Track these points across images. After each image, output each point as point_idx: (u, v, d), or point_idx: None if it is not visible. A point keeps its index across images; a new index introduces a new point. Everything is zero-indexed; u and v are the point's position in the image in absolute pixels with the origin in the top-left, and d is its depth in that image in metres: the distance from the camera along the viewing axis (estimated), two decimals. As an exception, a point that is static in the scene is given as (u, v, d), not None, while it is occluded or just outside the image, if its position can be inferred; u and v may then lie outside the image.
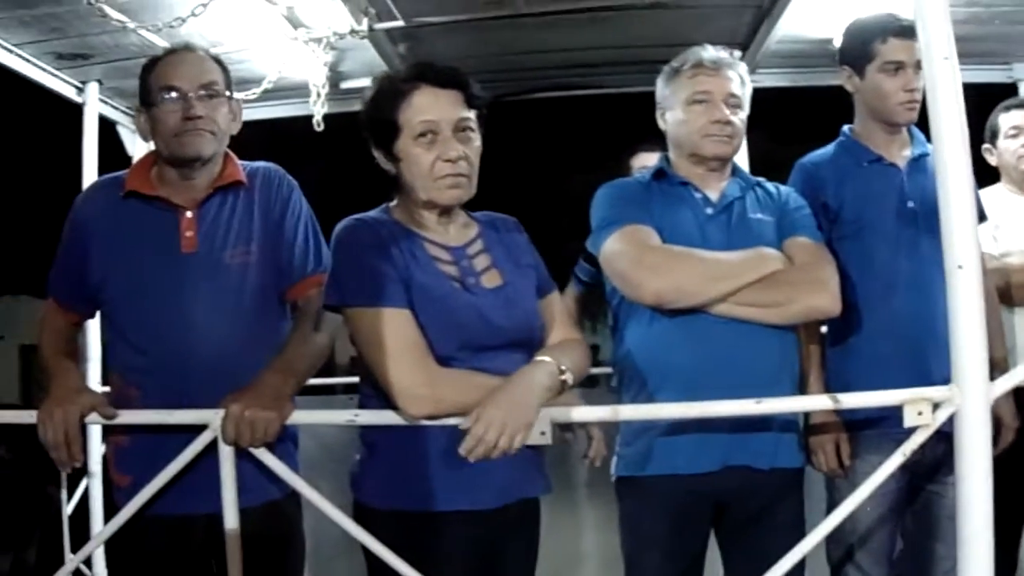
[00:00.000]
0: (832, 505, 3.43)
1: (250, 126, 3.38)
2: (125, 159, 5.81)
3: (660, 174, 3.43)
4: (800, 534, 3.03)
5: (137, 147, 5.88)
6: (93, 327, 5.03)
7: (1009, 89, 5.41)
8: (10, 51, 4.79)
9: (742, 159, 3.46)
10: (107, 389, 3.25)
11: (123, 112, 5.79)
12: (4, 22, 4.53)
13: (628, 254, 3.21)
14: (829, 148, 3.71)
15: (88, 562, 4.90)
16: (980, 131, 4.48)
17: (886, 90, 3.51)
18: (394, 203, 2.94)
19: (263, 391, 2.90)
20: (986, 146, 4.56)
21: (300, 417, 2.99)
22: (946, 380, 2.69)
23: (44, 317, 3.34)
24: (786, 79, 5.63)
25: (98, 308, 3.30)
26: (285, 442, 3.07)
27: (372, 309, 2.71)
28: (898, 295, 3.44)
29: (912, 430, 2.74)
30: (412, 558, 2.71)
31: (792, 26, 4.87)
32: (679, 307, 3.17)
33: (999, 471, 2.66)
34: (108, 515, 4.88)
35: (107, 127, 5.73)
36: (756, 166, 3.56)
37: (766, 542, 3.15)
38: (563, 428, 2.86)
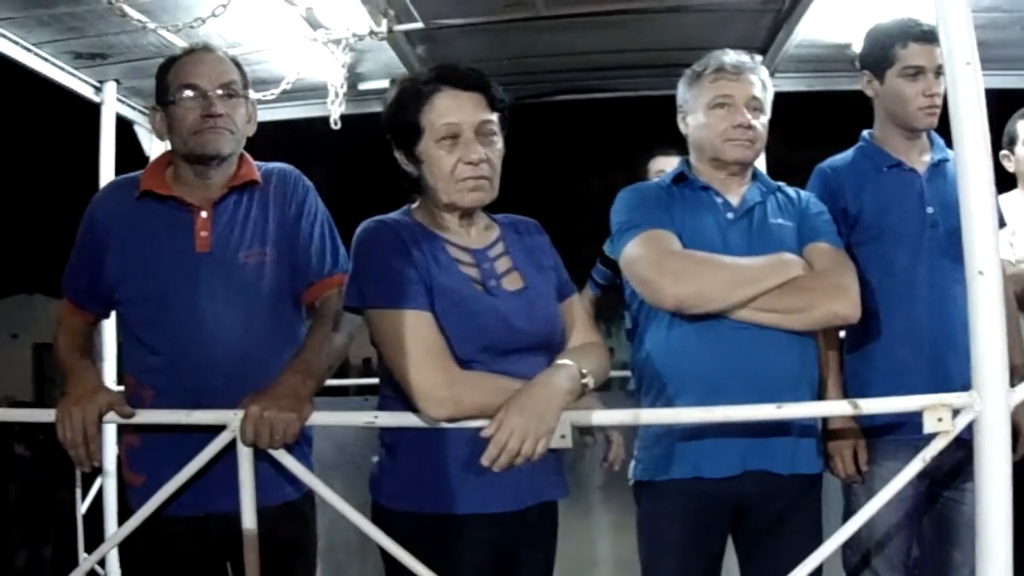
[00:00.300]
0: (849, 511, 3.44)
1: (268, 126, 3.38)
2: (142, 159, 5.81)
3: (681, 178, 3.42)
4: (818, 540, 3.02)
5: (154, 147, 5.89)
6: (108, 326, 5.04)
7: (1028, 95, 5.38)
8: (28, 50, 4.80)
9: (759, 163, 3.44)
10: (122, 389, 3.24)
11: (140, 112, 5.79)
12: (23, 21, 4.53)
13: (649, 259, 3.20)
14: (848, 153, 3.69)
15: (102, 561, 4.90)
16: (999, 137, 4.46)
17: (906, 95, 3.49)
18: (415, 205, 2.93)
19: (282, 392, 2.90)
20: (1004, 152, 4.54)
21: (319, 418, 2.99)
22: (965, 386, 2.69)
23: (60, 317, 3.35)
24: (803, 83, 5.62)
25: (113, 308, 3.30)
26: (300, 443, 3.06)
27: (393, 311, 2.70)
28: (917, 300, 3.43)
29: (931, 436, 2.73)
30: (431, 561, 2.70)
31: (811, 30, 4.86)
32: (699, 312, 3.16)
33: (1018, 478, 2.65)
34: (121, 514, 4.91)
35: (124, 127, 5.72)
36: (772, 170, 3.55)
37: (784, 547, 3.15)
38: (582, 432, 2.84)
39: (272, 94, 5.11)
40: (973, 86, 2.65)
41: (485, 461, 2.56)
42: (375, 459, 2.96)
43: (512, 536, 2.80)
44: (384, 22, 4.67)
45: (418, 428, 2.74)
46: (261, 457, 2.91)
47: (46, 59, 4.95)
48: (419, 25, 4.81)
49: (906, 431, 3.17)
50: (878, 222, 3.49)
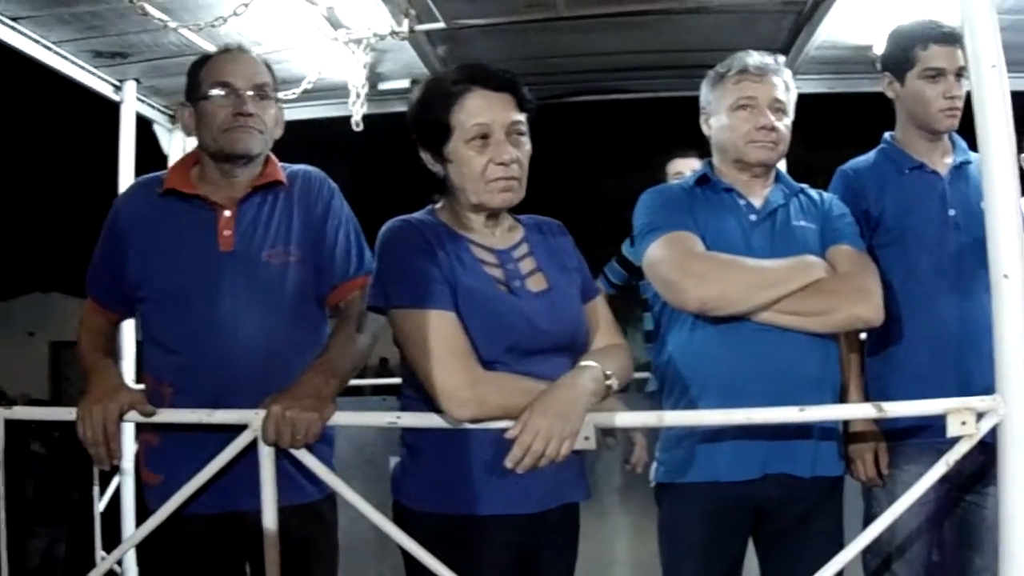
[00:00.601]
0: (869, 514, 3.44)
1: (287, 126, 3.39)
2: (161, 158, 5.83)
3: (704, 180, 3.42)
4: (838, 543, 3.03)
5: (172, 146, 5.91)
6: (127, 325, 5.04)
7: (1052, 98, 5.36)
8: (49, 48, 4.81)
9: (780, 165, 3.44)
10: (142, 387, 3.24)
11: (160, 111, 5.82)
12: (43, 20, 4.55)
13: (673, 260, 3.20)
14: (870, 155, 3.69)
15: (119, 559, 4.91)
16: (1022, 139, 4.44)
17: (926, 97, 3.48)
18: (439, 205, 2.93)
19: (304, 392, 2.90)
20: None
21: (341, 418, 2.97)
22: (987, 390, 2.69)
23: (83, 316, 3.36)
24: (824, 85, 5.61)
25: (136, 306, 3.30)
26: (321, 444, 3.05)
27: (418, 311, 2.70)
28: (939, 303, 3.42)
29: (954, 440, 2.72)
30: (452, 562, 2.70)
31: (832, 32, 4.86)
32: (722, 314, 3.16)
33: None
34: (140, 513, 4.91)
35: (143, 126, 5.73)
36: (792, 172, 3.55)
37: (805, 550, 3.15)
38: (605, 433, 2.84)
39: (293, 94, 5.11)
40: (999, 89, 2.64)
41: (509, 463, 2.55)
42: (396, 460, 2.96)
43: (534, 538, 2.80)
44: (405, 22, 4.67)
45: (441, 429, 2.74)
46: (282, 457, 2.91)
47: (66, 57, 4.97)
48: (440, 25, 4.81)
49: (928, 435, 3.17)
50: (900, 224, 3.49)
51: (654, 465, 3.36)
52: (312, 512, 3.18)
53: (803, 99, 3.50)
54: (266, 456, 2.89)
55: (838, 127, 12.36)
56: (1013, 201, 2.63)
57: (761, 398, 2.95)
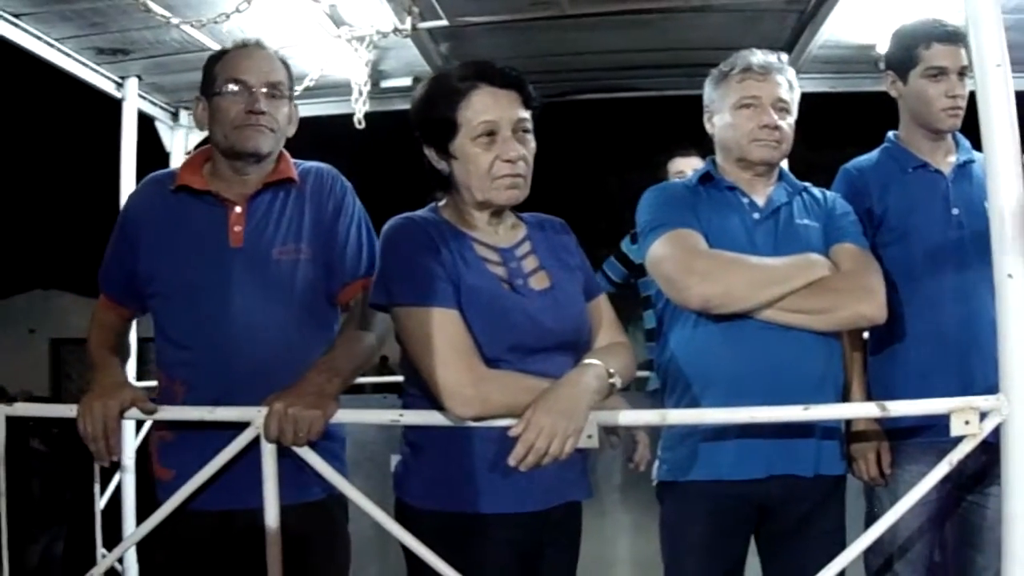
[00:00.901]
0: (871, 513, 3.43)
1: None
2: (162, 155, 5.84)
3: (707, 178, 3.42)
4: (840, 542, 3.03)
5: (174, 143, 5.91)
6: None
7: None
8: (51, 45, 4.81)
9: (782, 163, 3.44)
10: (146, 384, 3.24)
11: (162, 108, 5.82)
12: (45, 16, 4.55)
13: (676, 258, 3.20)
14: (874, 154, 3.69)
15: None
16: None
17: (929, 96, 3.48)
18: (442, 202, 2.93)
19: (306, 389, 2.89)
20: (1026, 154, 4.54)
21: (343, 416, 2.96)
22: (990, 389, 2.69)
23: (95, 311, 3.37)
24: (827, 84, 5.61)
25: (148, 302, 3.30)
26: (332, 442, 3.07)
27: (421, 308, 2.69)
28: (942, 302, 3.41)
29: (957, 439, 2.71)
30: (455, 560, 2.70)
31: (835, 31, 4.86)
32: (725, 312, 3.16)
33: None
34: (140, 510, 4.91)
35: (145, 123, 5.73)
36: (794, 170, 3.55)
37: (807, 549, 3.16)
38: (608, 431, 2.83)
39: (295, 91, 5.10)
40: (1003, 88, 2.64)
41: (513, 461, 2.54)
42: (398, 458, 2.95)
43: (536, 536, 2.80)
44: (408, 19, 4.67)
45: (444, 427, 2.73)
46: (285, 455, 2.90)
47: (68, 54, 4.97)
48: (443, 23, 4.81)
49: (930, 434, 3.16)
50: (903, 223, 3.48)
51: (656, 463, 3.36)
52: (320, 510, 3.16)
53: (806, 98, 3.50)
54: (268, 453, 2.88)
55: (841, 126, 12.35)
56: (1017, 200, 2.62)
57: (764, 396, 2.95)
